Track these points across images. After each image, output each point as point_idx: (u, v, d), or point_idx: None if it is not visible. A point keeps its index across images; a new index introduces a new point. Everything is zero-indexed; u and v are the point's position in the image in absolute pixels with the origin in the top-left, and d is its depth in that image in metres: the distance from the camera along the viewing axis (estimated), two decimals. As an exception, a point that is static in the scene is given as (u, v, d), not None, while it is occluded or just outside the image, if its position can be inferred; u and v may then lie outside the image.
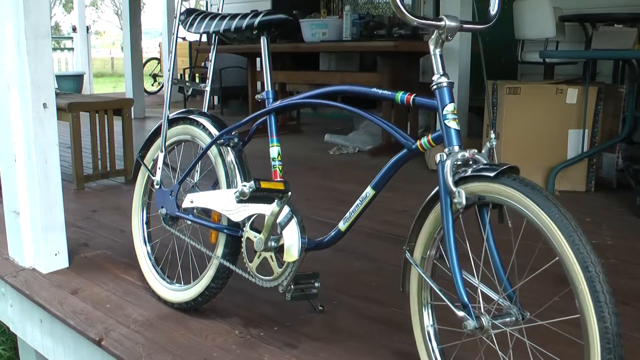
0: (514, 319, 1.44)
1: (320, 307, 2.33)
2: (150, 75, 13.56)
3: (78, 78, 12.10)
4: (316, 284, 2.13)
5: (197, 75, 9.58)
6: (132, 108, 4.88)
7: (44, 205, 2.76)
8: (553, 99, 4.19)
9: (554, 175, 4.21)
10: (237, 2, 8.41)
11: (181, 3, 2.47)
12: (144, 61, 9.33)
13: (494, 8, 1.66)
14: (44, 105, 2.70)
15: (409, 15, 1.54)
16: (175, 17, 2.43)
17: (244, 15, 2.22)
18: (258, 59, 6.55)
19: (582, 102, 4.18)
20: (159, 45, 13.89)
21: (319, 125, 7.49)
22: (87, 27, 13.65)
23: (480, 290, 1.48)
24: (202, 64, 8.95)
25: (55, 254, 2.83)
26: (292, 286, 2.06)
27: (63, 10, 38.61)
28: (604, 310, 1.22)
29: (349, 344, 2.10)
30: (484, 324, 1.43)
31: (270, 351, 2.05)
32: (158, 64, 14.03)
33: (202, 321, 2.29)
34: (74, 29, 13.27)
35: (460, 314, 1.45)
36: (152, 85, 13.79)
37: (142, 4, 20.28)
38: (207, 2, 9.69)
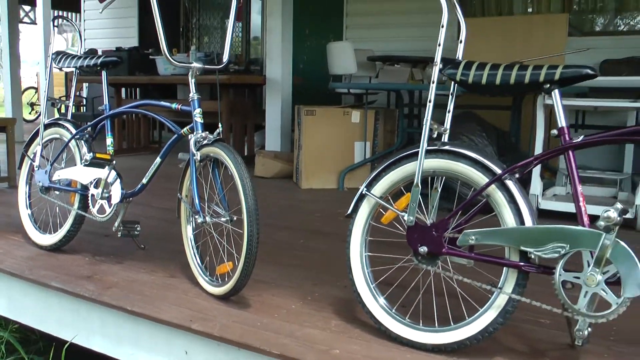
0: (227, 218, 2.78)
1: (142, 246, 3.62)
2: (28, 103, 14.20)
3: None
4: (138, 228, 3.41)
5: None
6: (15, 127, 6.01)
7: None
8: (341, 119, 5.67)
9: (343, 176, 5.67)
10: (108, 37, 9.52)
11: (53, 44, 3.76)
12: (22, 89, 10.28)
13: (225, 56, 3.04)
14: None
15: (171, 59, 2.89)
16: (49, 57, 3.71)
17: (92, 57, 3.52)
18: (123, 89, 7.78)
19: (363, 121, 5.67)
20: (36, 75, 14.59)
21: (179, 148, 8.72)
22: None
23: (207, 205, 2.83)
24: (77, 93, 10.07)
25: (-42, 224, 3.99)
26: (121, 227, 3.34)
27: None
28: (250, 212, 2.57)
29: (155, 261, 3.40)
30: (207, 219, 2.78)
31: (106, 264, 3.33)
32: (35, 92, 14.76)
33: (65, 255, 3.52)
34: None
35: (196, 216, 2.80)
36: (30, 113, 14.44)
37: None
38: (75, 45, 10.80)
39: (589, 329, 2.10)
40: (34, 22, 18.80)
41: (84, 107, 10.49)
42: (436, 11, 6.97)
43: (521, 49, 5.67)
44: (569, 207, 4.48)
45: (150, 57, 6.71)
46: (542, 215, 4.53)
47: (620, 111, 5.63)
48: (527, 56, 5.37)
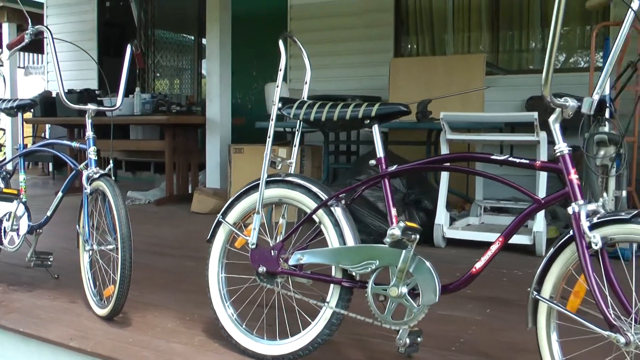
0: (113, 246, 3.05)
1: (56, 276, 3.88)
2: (-5, 145, 14.44)
3: None
4: (51, 258, 3.67)
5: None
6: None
7: None
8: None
9: (270, 210, 5.93)
10: (70, 79, 9.66)
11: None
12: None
13: (119, 101, 3.33)
14: None
15: (66, 101, 3.18)
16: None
17: (9, 101, 3.81)
18: (76, 129, 8.05)
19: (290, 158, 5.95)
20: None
21: (133, 187, 8.94)
22: None
23: (98, 236, 3.10)
24: (42, 134, 10.42)
25: None
26: (34, 257, 3.61)
27: None
28: (124, 239, 2.84)
29: (62, 288, 3.65)
30: (94, 247, 3.06)
31: (17, 293, 3.58)
32: (4, 134, 15.01)
33: (-17, 284, 3.79)
34: None
35: (86, 244, 3.07)
36: (-3, 154, 14.73)
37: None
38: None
39: (419, 339, 2.35)
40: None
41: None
42: (375, 52, 7.36)
43: (443, 86, 6.00)
44: (478, 236, 4.78)
45: (98, 98, 7.01)
46: (451, 243, 4.82)
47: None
48: (448, 93, 5.74)
